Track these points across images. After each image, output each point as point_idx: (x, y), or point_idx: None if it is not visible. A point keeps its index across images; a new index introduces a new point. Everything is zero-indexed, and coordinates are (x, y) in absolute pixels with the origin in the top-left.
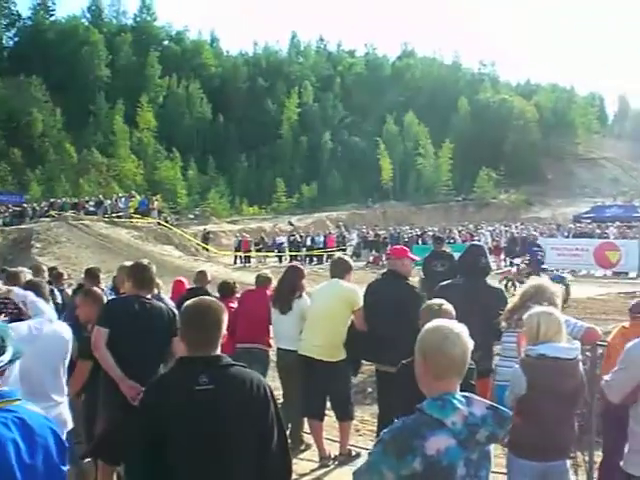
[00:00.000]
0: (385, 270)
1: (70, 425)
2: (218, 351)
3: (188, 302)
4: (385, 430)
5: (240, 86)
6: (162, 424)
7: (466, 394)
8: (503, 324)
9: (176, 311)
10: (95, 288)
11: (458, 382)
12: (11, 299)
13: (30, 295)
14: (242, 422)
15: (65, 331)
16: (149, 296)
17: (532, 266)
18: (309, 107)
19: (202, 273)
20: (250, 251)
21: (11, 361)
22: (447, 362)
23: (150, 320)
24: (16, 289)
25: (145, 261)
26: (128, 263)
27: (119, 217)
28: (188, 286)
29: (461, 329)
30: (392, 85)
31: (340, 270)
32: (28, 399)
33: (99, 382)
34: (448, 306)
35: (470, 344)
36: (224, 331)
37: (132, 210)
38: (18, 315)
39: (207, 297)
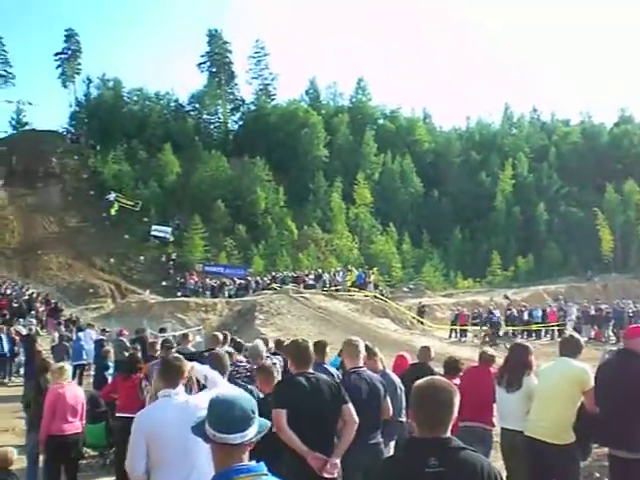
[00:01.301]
0: (619, 349)
1: None
2: (448, 433)
3: (420, 382)
4: None
5: (454, 160)
6: None
7: None
8: None
9: (383, 383)
10: (265, 363)
11: None
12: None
13: (208, 370)
14: None
15: None
16: (311, 370)
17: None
18: (523, 178)
19: (426, 349)
20: (466, 325)
21: (259, 433)
22: None
23: (319, 393)
24: (196, 365)
25: (300, 339)
26: (354, 338)
27: (337, 290)
28: (411, 361)
29: None
30: (610, 153)
31: (571, 349)
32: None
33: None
34: None
35: None
36: (455, 413)
37: (349, 283)
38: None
39: (439, 377)
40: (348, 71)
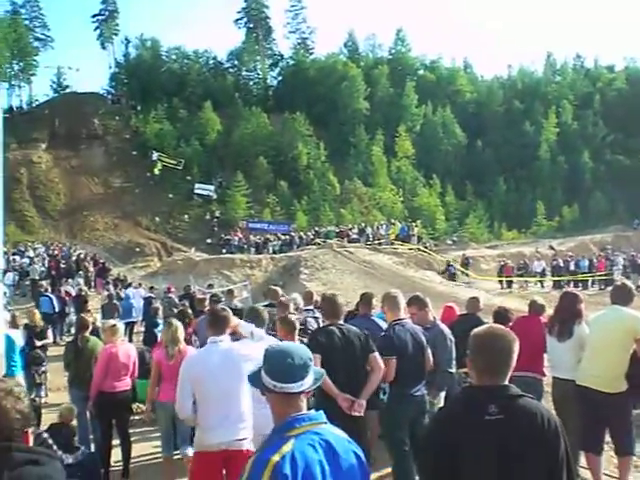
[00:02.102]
0: None
1: None
2: (506, 381)
3: (479, 330)
4: None
5: (496, 110)
6: (452, 451)
7: None
8: None
9: (425, 334)
10: (288, 315)
11: None
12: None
13: (253, 327)
14: (532, 455)
15: None
16: (341, 322)
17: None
18: (568, 127)
19: (475, 300)
20: (512, 276)
21: (316, 380)
22: None
23: (349, 342)
24: (242, 322)
25: (329, 293)
26: (393, 291)
27: (380, 244)
28: (458, 312)
29: None
30: None
31: (623, 297)
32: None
33: None
34: None
35: None
36: (514, 361)
37: (393, 237)
38: None
39: (498, 325)
40: (387, 22)
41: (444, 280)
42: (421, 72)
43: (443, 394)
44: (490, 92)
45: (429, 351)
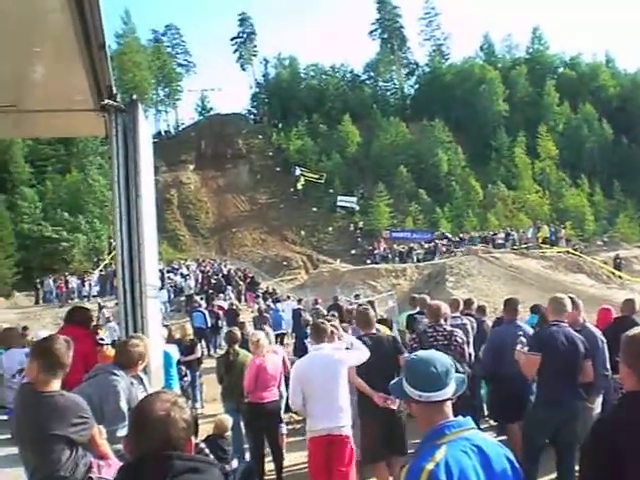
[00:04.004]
0: None
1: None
2: None
3: (635, 331)
4: None
5: None
6: (616, 458)
7: None
8: None
9: (584, 342)
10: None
11: None
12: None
13: (354, 339)
14: None
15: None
16: (374, 331)
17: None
18: None
19: (630, 301)
20: None
21: (457, 389)
22: None
23: (379, 345)
24: (346, 335)
25: (362, 307)
26: (560, 295)
27: (527, 248)
28: (615, 315)
29: None
30: None
31: None
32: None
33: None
34: None
35: None
36: None
37: (540, 240)
38: None
39: None
40: (523, 21)
41: (596, 283)
42: (561, 70)
43: (600, 399)
44: (634, 86)
45: (589, 362)
